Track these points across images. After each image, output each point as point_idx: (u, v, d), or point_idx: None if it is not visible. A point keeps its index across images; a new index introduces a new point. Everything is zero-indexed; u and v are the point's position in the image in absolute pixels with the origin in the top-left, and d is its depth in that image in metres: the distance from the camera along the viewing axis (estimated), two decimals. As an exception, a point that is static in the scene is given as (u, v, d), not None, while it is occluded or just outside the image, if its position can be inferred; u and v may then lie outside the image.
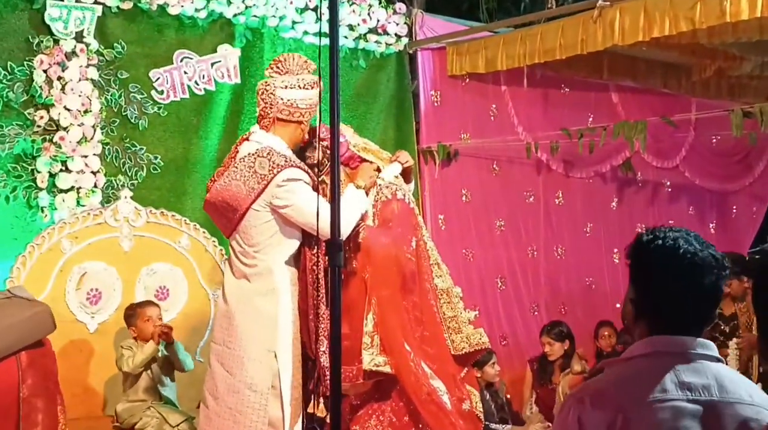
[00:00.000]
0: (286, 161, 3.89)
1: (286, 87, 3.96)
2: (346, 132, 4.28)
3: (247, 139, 4.02)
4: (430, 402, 4.05)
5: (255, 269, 3.90)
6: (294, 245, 3.97)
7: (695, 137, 8.21)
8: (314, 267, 3.95)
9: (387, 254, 4.19)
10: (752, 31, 5.62)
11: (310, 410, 3.98)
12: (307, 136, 4.24)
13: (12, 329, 4.32)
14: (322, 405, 3.96)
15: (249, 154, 3.90)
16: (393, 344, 4.09)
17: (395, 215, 4.27)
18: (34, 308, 4.44)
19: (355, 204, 3.97)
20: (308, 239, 3.98)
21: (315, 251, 3.96)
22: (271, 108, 3.95)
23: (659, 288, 2.04)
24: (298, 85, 3.99)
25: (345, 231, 3.82)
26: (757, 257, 8.08)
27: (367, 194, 4.20)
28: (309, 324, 3.96)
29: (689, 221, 8.41)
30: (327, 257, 2.73)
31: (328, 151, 4.03)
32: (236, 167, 3.91)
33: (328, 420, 3.99)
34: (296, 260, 4.04)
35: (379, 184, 4.30)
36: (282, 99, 3.93)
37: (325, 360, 3.90)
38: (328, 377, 3.87)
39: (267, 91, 3.98)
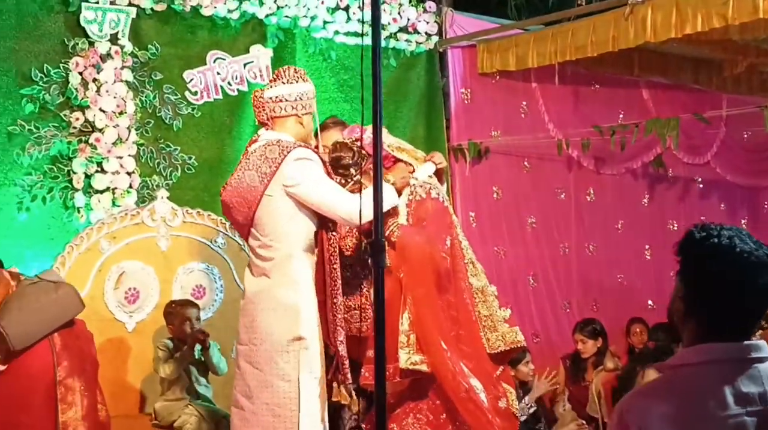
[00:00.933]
0: (295, 143, 3.91)
1: (270, 87, 4.03)
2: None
3: (255, 140, 4.05)
4: (468, 400, 4.07)
5: (273, 262, 3.86)
6: (311, 231, 3.94)
7: (726, 133, 8.16)
8: (331, 257, 3.95)
9: (422, 253, 4.20)
10: (785, 26, 5.60)
11: (335, 398, 3.97)
12: (343, 136, 4.27)
13: (39, 313, 4.35)
14: (344, 391, 3.95)
15: (259, 146, 3.94)
16: (430, 343, 4.10)
17: (429, 214, 4.28)
18: (59, 289, 4.46)
19: (387, 195, 3.95)
20: (325, 227, 3.97)
21: (332, 240, 3.96)
22: (263, 110, 3.98)
23: (714, 287, 2.01)
24: (281, 82, 4.02)
25: (367, 218, 3.86)
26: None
27: (399, 194, 4.21)
28: (327, 314, 3.96)
29: (720, 217, 8.36)
30: (370, 258, 2.75)
31: (364, 151, 4.06)
32: (248, 160, 3.93)
33: (350, 407, 4.01)
34: (315, 248, 4.02)
35: (413, 184, 4.32)
36: (271, 98, 3.96)
37: (342, 349, 3.91)
38: (347, 366, 3.92)
39: (256, 97, 4.04)
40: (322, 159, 3.97)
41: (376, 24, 2.82)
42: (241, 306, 4.00)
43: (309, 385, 3.80)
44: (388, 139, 4.35)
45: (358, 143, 4.12)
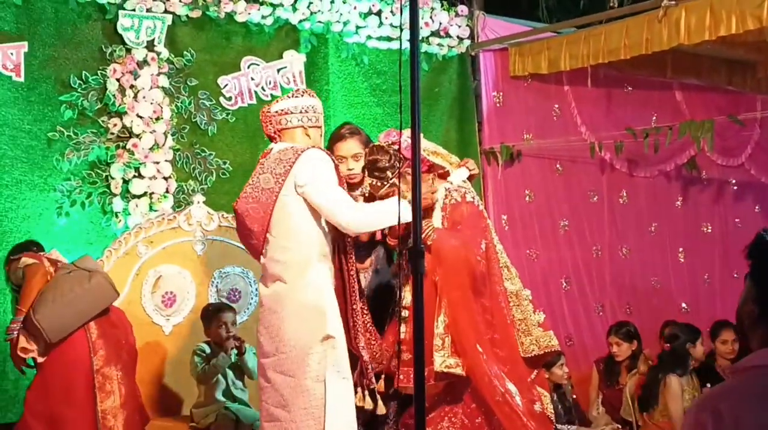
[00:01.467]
0: (309, 146, 3.95)
1: (277, 102, 4.12)
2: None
3: (267, 153, 4.06)
4: (504, 403, 4.08)
5: (290, 265, 3.84)
6: (328, 236, 3.94)
7: (761, 135, 8.09)
8: (348, 263, 3.95)
9: (457, 256, 4.21)
10: (821, 27, 5.54)
11: (359, 403, 3.91)
12: (380, 139, 4.31)
13: (73, 305, 4.44)
14: (368, 397, 3.92)
15: (273, 153, 3.99)
16: (465, 345, 4.12)
17: (464, 218, 4.30)
18: (92, 279, 4.53)
19: (390, 211, 3.86)
20: (342, 234, 3.96)
21: (348, 247, 3.96)
22: (270, 123, 4.06)
23: None
24: (287, 97, 4.15)
25: (365, 225, 3.94)
26: None
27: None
28: (347, 320, 3.96)
29: (755, 219, 8.29)
30: (409, 264, 2.77)
31: (401, 155, 4.09)
32: (263, 166, 3.98)
33: (377, 412, 3.99)
34: (332, 256, 4.01)
35: (448, 188, 4.35)
36: (276, 111, 4.04)
37: (365, 354, 3.91)
38: (371, 371, 3.92)
39: (263, 113, 4.12)
40: (335, 163, 4.00)
41: (414, 30, 2.85)
42: (262, 321, 3.95)
43: (337, 384, 3.79)
44: (423, 143, 4.37)
45: (395, 147, 4.15)
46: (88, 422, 4.47)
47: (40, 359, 4.49)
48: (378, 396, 3.98)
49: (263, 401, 3.93)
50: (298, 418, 3.79)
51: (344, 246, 3.99)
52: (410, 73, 2.88)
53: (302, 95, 4.12)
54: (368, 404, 3.92)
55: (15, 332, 4.45)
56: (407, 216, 3.85)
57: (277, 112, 4.04)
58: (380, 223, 3.96)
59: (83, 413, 4.47)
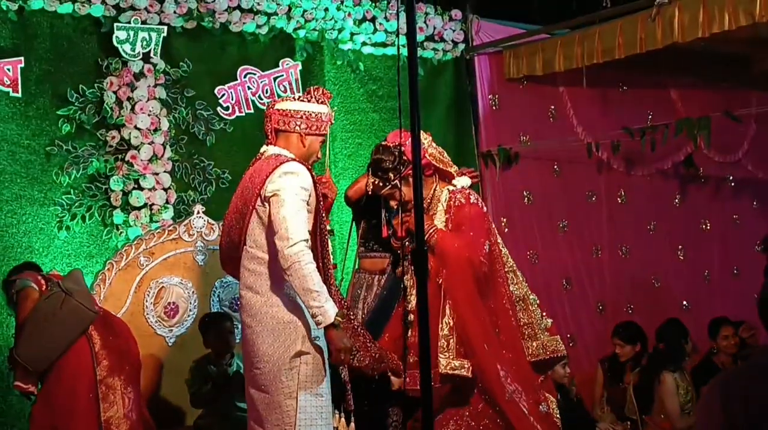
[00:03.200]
0: (292, 158, 3.83)
1: (283, 101, 4.02)
2: (424, 139, 4.29)
3: (259, 158, 3.97)
4: (512, 403, 4.09)
5: (263, 275, 3.76)
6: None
7: (757, 130, 8.10)
8: (328, 272, 3.84)
9: (460, 256, 4.22)
10: (814, 23, 5.56)
11: (335, 424, 3.84)
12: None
13: (47, 334, 4.45)
14: (343, 420, 3.87)
15: (259, 160, 3.92)
16: (474, 345, 4.13)
17: (468, 219, 4.31)
18: (65, 304, 4.50)
19: (313, 291, 3.61)
20: (321, 243, 3.86)
21: (326, 258, 3.86)
22: (269, 121, 3.94)
23: None
24: (292, 98, 4.10)
25: (296, 269, 3.60)
26: None
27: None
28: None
29: (754, 215, 8.31)
30: (413, 267, 2.78)
31: (405, 157, 4.11)
32: (247, 174, 3.91)
33: None
34: None
35: (452, 190, 4.37)
36: (278, 110, 3.93)
37: (345, 375, 3.85)
38: (349, 393, 3.86)
39: (268, 108, 4.01)
40: (314, 182, 3.83)
41: (411, 34, 2.86)
42: (242, 337, 3.88)
43: (308, 401, 3.69)
44: (430, 148, 4.39)
45: (401, 148, 4.15)
46: None
47: (33, 389, 4.53)
48: (353, 419, 3.89)
49: (248, 416, 3.90)
50: None
51: (323, 256, 3.85)
52: (408, 77, 2.89)
53: (311, 100, 3.96)
54: (342, 426, 3.85)
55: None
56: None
57: (279, 110, 3.92)
58: (303, 282, 3.60)
59: (86, 423, 4.48)
